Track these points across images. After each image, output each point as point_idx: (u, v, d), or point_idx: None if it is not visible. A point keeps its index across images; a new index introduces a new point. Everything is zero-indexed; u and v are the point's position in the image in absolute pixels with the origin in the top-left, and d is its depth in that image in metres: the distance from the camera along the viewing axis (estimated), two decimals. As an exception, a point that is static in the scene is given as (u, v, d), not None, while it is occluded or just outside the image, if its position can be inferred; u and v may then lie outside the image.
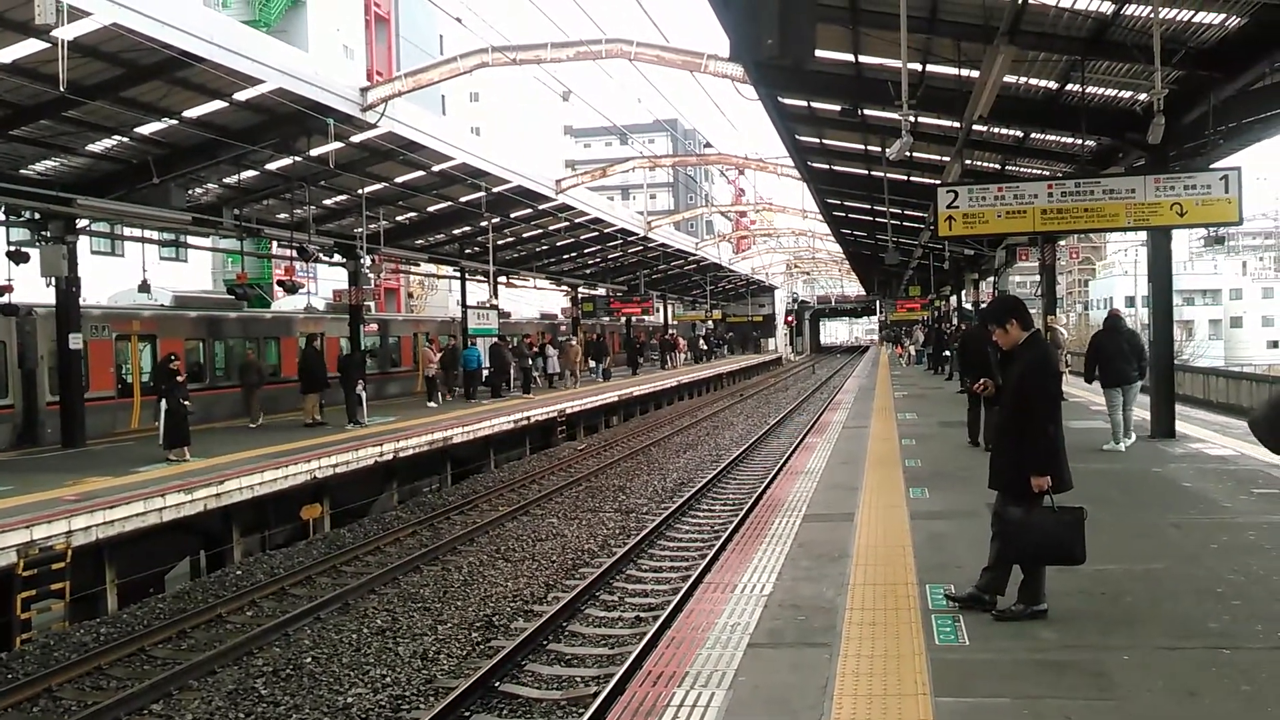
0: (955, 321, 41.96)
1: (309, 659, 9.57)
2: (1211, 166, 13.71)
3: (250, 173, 22.92)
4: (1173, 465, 12.59)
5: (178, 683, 8.89)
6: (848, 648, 6.06)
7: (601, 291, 51.56)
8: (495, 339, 33.06)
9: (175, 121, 18.61)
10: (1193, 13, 11.52)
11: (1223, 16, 11.41)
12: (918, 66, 14.68)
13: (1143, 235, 24.12)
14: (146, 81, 16.72)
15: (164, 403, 15.78)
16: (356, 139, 21.72)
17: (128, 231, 24.46)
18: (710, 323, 72.83)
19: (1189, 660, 5.61)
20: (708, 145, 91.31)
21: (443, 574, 12.59)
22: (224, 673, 9.24)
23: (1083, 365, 14.88)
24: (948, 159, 18.42)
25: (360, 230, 26.39)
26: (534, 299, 53.86)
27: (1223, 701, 5.03)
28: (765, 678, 5.69)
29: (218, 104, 18.34)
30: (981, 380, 6.97)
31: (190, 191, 22.57)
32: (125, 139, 19.14)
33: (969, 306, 39.38)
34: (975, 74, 12.66)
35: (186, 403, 15.96)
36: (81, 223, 20.36)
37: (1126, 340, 14.09)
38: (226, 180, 23.11)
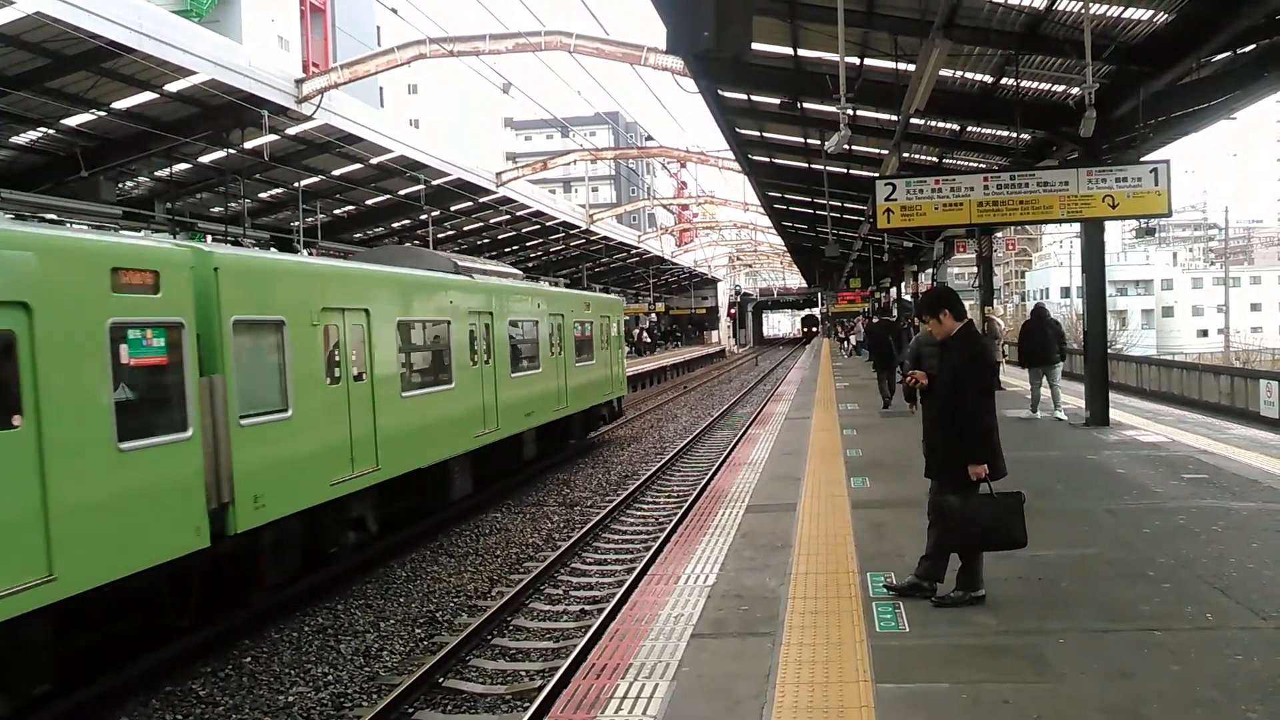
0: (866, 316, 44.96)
1: (248, 659, 9.42)
2: (1142, 160, 14.00)
3: (183, 165, 22.50)
4: (1107, 452, 12.86)
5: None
6: (790, 636, 6.11)
7: (544, 285, 51.41)
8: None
9: (104, 113, 18.21)
10: (1122, 8, 11.75)
11: (1151, 12, 11.66)
12: (856, 60, 14.81)
13: (1077, 227, 24.60)
14: (73, 72, 16.35)
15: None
16: (292, 131, 21.41)
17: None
18: (654, 315, 72.96)
19: (1122, 642, 5.73)
20: (649, 138, 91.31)
21: (385, 570, 12.45)
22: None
23: (1017, 353, 17.45)
24: (886, 152, 18.61)
25: (297, 224, 26.03)
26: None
27: (1154, 681, 5.15)
28: (709, 667, 5.71)
29: (148, 95, 17.98)
30: (912, 373, 7.06)
31: (121, 185, 22.11)
32: (51, 131, 18.68)
33: (908, 298, 39.92)
34: (912, 68, 12.80)
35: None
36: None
37: (1051, 327, 16.61)
38: (158, 173, 22.66)
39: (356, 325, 11.56)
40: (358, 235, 34.74)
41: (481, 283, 16.23)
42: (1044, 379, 16.59)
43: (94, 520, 7.48)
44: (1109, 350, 17.45)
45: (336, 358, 11.08)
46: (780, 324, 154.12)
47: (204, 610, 9.36)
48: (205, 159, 22.33)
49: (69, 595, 7.14)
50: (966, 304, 7.19)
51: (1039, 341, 16.31)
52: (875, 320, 32.21)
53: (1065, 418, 16.16)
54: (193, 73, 17.12)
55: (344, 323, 11.28)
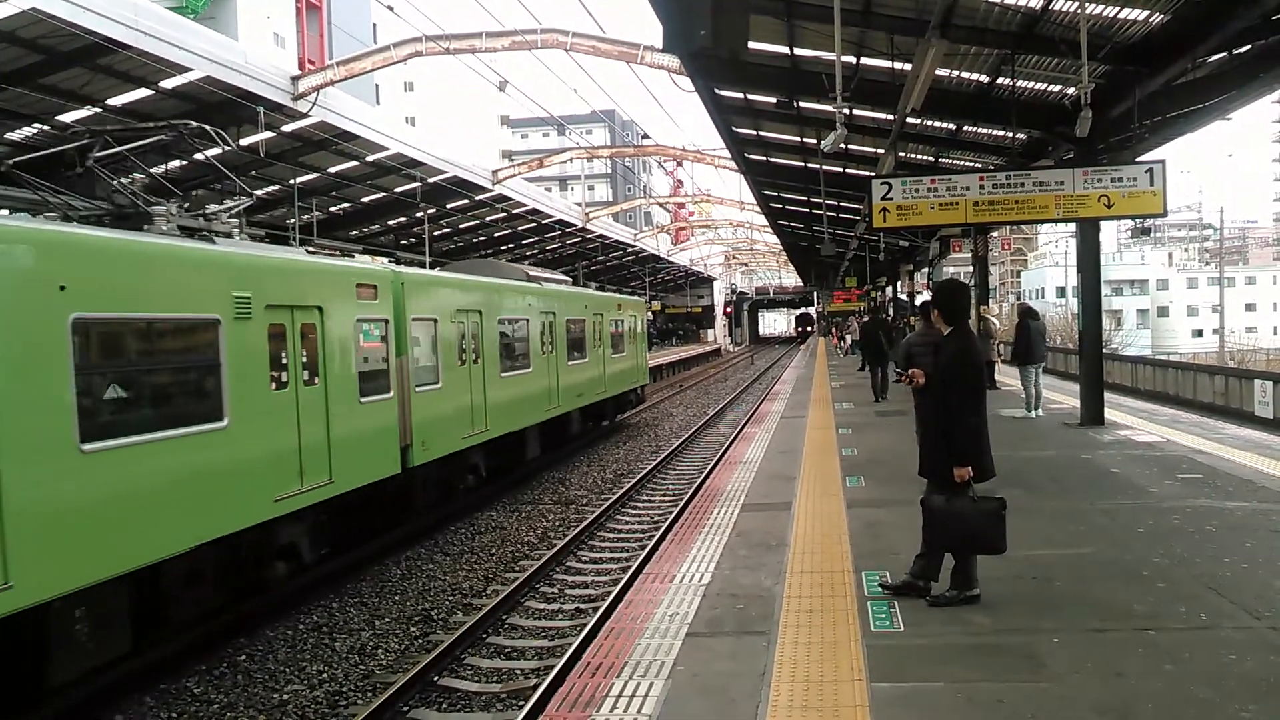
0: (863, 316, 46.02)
1: (243, 656, 9.41)
2: (1137, 160, 14.01)
3: (178, 162, 22.41)
4: (1101, 452, 12.88)
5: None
6: (785, 635, 6.11)
7: (540, 283, 51.32)
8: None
9: (99, 109, 18.14)
10: (1118, 9, 11.75)
11: (1146, 13, 11.67)
12: (852, 59, 14.80)
13: (1072, 226, 24.64)
14: (68, 68, 16.29)
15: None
16: (288, 128, 21.37)
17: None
18: (649, 314, 72.90)
19: (1116, 641, 5.74)
20: (646, 137, 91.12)
21: (380, 568, 12.45)
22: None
23: (1014, 351, 17.90)
24: (882, 151, 18.62)
25: (293, 221, 25.96)
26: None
27: (1147, 680, 5.17)
28: (704, 666, 5.71)
29: (143, 92, 17.94)
30: (909, 371, 7.06)
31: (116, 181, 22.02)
32: (47, 127, 18.63)
33: (904, 297, 39.96)
34: (908, 67, 12.80)
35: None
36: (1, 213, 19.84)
37: (1041, 325, 17.73)
38: (154, 170, 22.56)
39: (475, 322, 15.58)
40: (354, 233, 34.69)
41: (548, 289, 20.40)
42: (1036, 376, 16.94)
43: (350, 447, 11.20)
44: (1104, 350, 17.49)
45: (464, 346, 15.09)
46: (776, 323, 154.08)
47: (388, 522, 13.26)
48: (200, 156, 22.28)
49: (336, 494, 10.91)
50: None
51: (1038, 341, 16.78)
52: (867, 319, 33.39)
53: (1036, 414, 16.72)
54: (188, 69, 17.09)
55: (467, 320, 15.27)
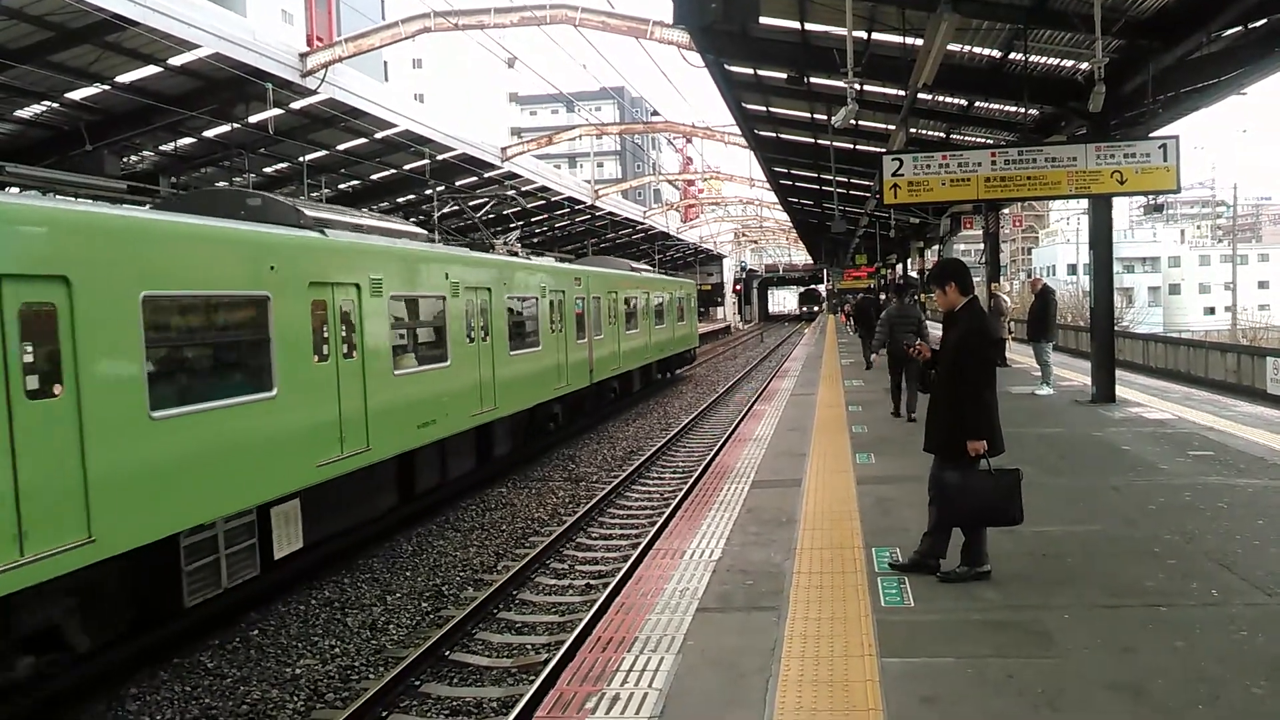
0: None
1: (255, 631, 9.48)
2: (1150, 135, 13.89)
3: (187, 140, 22.44)
4: (1113, 429, 12.85)
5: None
6: (795, 611, 6.12)
7: (549, 261, 51.19)
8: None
9: (107, 87, 18.13)
10: (1132, -18, 11.62)
11: (1161, -14, 11.54)
12: (863, 34, 14.68)
13: (1084, 203, 24.48)
14: (76, 45, 16.25)
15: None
16: (297, 105, 21.32)
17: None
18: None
19: (1126, 618, 5.74)
20: (655, 113, 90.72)
21: (390, 545, 12.51)
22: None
23: (1034, 326, 17.74)
24: (893, 127, 18.49)
25: (303, 198, 25.90)
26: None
27: (1158, 656, 5.17)
28: (714, 641, 5.73)
29: (152, 69, 17.89)
30: (919, 344, 7.05)
31: (125, 159, 22.06)
32: (55, 104, 18.62)
33: (915, 275, 39.81)
34: (920, 42, 12.68)
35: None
36: (11, 191, 19.83)
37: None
38: (163, 148, 22.59)
39: (614, 298, 24.67)
40: (363, 209, 34.65)
41: (643, 275, 30.19)
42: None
43: (573, 367, 20.12)
44: (1115, 327, 17.43)
45: (610, 313, 24.08)
46: (786, 300, 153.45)
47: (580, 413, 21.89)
48: (210, 133, 22.27)
49: (569, 392, 19.90)
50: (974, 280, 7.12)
51: (1054, 318, 17.27)
52: (861, 296, 36.50)
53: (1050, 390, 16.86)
54: (196, 46, 17.04)
55: (609, 296, 24.16)
